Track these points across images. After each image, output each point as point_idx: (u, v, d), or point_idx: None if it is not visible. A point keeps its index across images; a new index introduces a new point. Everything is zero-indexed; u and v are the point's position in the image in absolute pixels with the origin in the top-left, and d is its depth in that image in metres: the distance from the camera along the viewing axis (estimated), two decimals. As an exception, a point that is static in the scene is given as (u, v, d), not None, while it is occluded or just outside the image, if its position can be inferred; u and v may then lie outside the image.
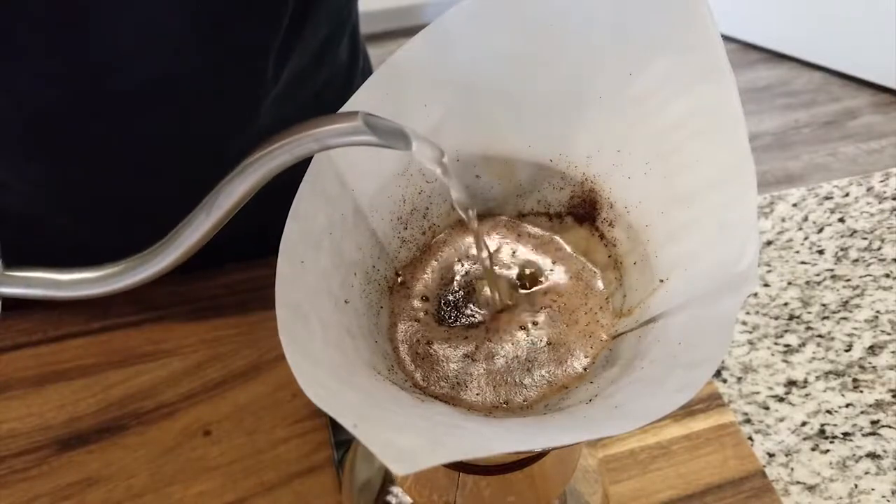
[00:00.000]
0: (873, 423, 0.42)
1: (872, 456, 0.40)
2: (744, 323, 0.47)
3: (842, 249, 0.52)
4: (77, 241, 0.43)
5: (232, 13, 0.37)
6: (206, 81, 0.39)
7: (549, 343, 0.23)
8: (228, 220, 0.20)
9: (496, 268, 0.25)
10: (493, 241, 0.26)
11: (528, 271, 0.25)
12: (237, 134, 0.43)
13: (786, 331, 0.47)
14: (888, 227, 0.53)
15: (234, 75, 0.41)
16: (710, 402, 0.42)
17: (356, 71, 0.55)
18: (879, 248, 0.51)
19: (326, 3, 0.45)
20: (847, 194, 0.56)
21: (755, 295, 0.49)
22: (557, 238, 0.26)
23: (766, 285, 0.50)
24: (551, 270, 0.25)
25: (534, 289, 0.25)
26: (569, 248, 0.26)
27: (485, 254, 0.24)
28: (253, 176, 0.19)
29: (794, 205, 0.55)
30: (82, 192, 0.43)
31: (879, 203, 0.55)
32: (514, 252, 0.26)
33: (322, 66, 0.49)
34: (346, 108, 0.23)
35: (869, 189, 0.56)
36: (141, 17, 0.34)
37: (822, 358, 0.45)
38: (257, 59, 0.41)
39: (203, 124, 0.42)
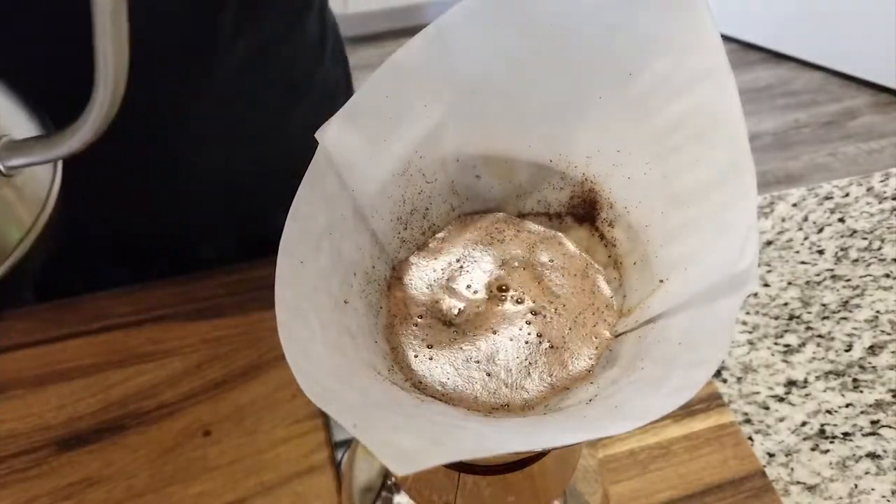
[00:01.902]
0: (873, 423, 0.42)
1: (872, 456, 0.40)
2: (744, 323, 0.47)
3: (842, 249, 0.52)
4: None
5: None
6: (159, 41, 0.41)
7: (550, 344, 0.23)
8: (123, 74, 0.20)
9: (497, 269, 0.25)
10: (494, 240, 0.26)
11: (529, 271, 0.25)
12: (196, 98, 0.45)
13: (786, 331, 0.47)
14: (888, 227, 0.53)
15: (185, 37, 0.42)
16: (710, 402, 0.42)
17: (325, 49, 0.55)
18: (879, 248, 0.51)
19: None
20: (847, 194, 0.56)
21: (755, 295, 0.49)
22: (561, 236, 0.26)
23: (766, 285, 0.50)
24: (555, 270, 0.25)
25: (535, 289, 0.25)
26: (573, 247, 0.26)
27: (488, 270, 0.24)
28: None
29: (794, 205, 0.55)
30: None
31: (879, 203, 0.55)
32: (515, 250, 0.26)
33: (287, 42, 0.49)
34: (345, 108, 0.23)
35: (869, 189, 0.56)
36: None
37: (822, 358, 0.45)
38: (206, 29, 0.42)
39: (160, 83, 0.43)
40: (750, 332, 0.47)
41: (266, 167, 0.52)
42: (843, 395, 0.43)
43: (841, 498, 0.38)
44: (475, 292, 0.25)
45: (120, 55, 0.23)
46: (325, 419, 0.42)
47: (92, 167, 0.45)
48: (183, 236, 0.54)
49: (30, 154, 0.27)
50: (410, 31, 0.27)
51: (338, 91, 0.57)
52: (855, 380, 0.44)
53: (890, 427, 0.41)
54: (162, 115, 0.45)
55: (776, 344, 0.46)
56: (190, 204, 0.52)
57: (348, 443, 0.39)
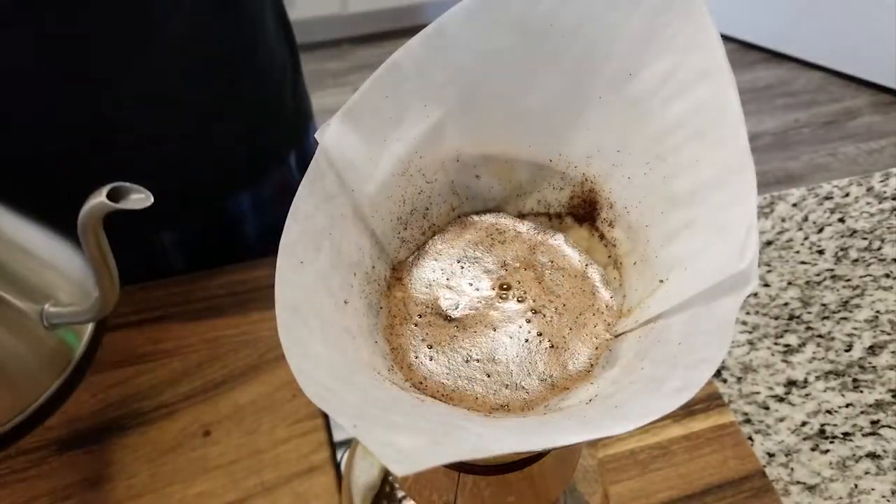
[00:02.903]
0: (873, 423, 0.42)
1: (872, 456, 0.40)
2: (744, 323, 0.47)
3: (842, 249, 0.52)
4: None
5: None
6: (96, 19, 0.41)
7: (550, 343, 0.23)
8: None
9: (498, 268, 0.25)
10: (495, 241, 0.26)
11: (529, 271, 0.25)
12: (129, 73, 0.45)
13: (786, 331, 0.47)
14: (888, 227, 0.53)
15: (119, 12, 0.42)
16: (710, 402, 0.42)
17: (266, 27, 0.54)
18: (879, 248, 0.51)
19: None
20: (847, 194, 0.56)
21: (755, 295, 0.49)
22: (561, 236, 0.26)
23: (766, 285, 0.50)
24: (555, 270, 0.25)
25: (535, 288, 0.25)
26: (574, 247, 0.26)
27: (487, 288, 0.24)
28: None
29: (794, 205, 0.55)
30: None
31: (879, 203, 0.55)
32: (516, 251, 0.26)
33: (223, 21, 0.49)
34: (345, 108, 0.23)
35: (869, 189, 0.56)
36: None
37: (822, 358, 0.45)
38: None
39: (94, 63, 0.43)
40: (750, 332, 0.47)
41: (210, 147, 0.52)
42: (843, 395, 0.43)
43: (841, 498, 0.38)
44: (476, 290, 0.25)
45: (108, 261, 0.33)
46: (325, 419, 0.42)
47: (31, 161, 0.46)
48: (141, 222, 0.53)
49: (67, 317, 0.36)
50: (410, 31, 0.27)
51: (284, 71, 0.56)
52: (855, 380, 0.44)
53: (890, 427, 0.41)
54: (96, 96, 0.45)
55: (776, 344, 0.46)
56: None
57: (348, 443, 0.39)
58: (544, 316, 0.24)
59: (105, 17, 0.43)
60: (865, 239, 0.52)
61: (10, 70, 0.43)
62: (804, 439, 0.41)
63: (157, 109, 0.49)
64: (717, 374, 0.45)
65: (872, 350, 0.45)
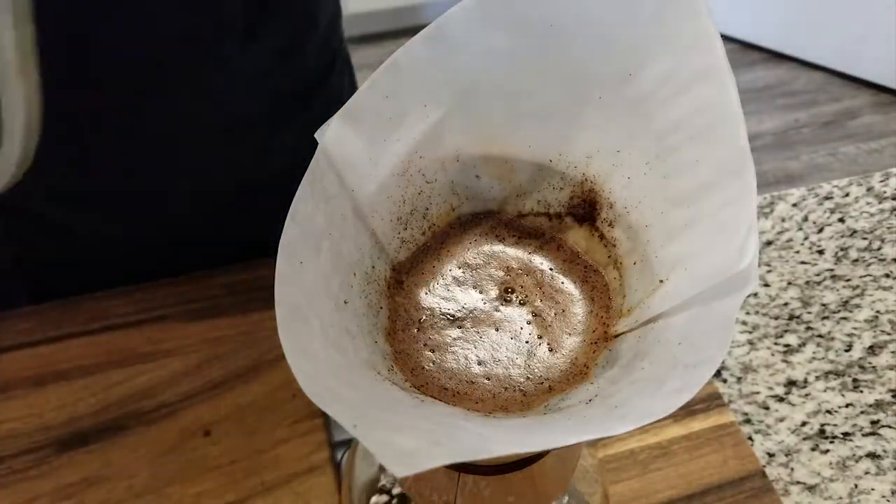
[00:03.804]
0: (873, 423, 0.42)
1: (872, 456, 0.40)
2: (744, 323, 0.47)
3: (842, 249, 0.52)
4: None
5: None
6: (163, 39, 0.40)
7: (550, 345, 0.23)
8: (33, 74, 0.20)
9: (498, 271, 0.25)
10: (496, 240, 0.26)
11: (529, 272, 0.25)
12: (205, 99, 0.45)
13: (786, 331, 0.47)
14: (888, 227, 0.53)
15: (191, 34, 0.42)
16: (710, 402, 0.42)
17: (336, 59, 0.55)
18: (879, 248, 0.51)
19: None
20: (847, 194, 0.56)
21: (755, 295, 0.49)
22: (561, 237, 0.26)
23: (766, 285, 0.50)
24: (555, 270, 0.25)
25: (535, 290, 0.25)
26: (574, 248, 0.26)
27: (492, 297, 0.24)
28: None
29: (794, 205, 0.55)
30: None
31: (879, 203, 0.55)
32: (516, 252, 0.26)
33: (300, 52, 0.49)
34: (345, 108, 0.23)
35: (869, 189, 0.56)
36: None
37: (822, 358, 0.45)
38: (212, 27, 0.42)
39: (167, 83, 0.43)
40: (750, 332, 0.47)
41: (266, 175, 0.52)
42: (843, 395, 0.43)
43: (841, 498, 0.38)
44: (479, 292, 0.25)
45: (29, 109, 0.23)
46: (325, 419, 0.42)
47: (86, 169, 0.45)
48: (176, 243, 0.53)
49: None
50: (410, 31, 0.27)
51: (342, 100, 0.57)
52: (855, 380, 0.44)
53: (890, 427, 0.41)
54: (168, 117, 0.45)
55: (776, 344, 0.46)
56: (187, 208, 0.52)
57: (348, 443, 0.39)
58: (544, 319, 0.24)
59: (176, 39, 0.42)
60: (865, 239, 0.52)
61: None
62: (804, 439, 0.41)
63: (223, 136, 0.49)
64: (717, 374, 0.45)
65: (872, 350, 0.45)
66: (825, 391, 0.43)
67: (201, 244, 0.54)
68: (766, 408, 0.43)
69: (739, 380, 0.44)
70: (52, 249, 0.51)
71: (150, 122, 0.44)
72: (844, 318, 0.47)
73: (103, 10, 0.36)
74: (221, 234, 0.54)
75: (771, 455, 0.40)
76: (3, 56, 0.22)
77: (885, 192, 0.55)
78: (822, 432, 0.41)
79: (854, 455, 0.40)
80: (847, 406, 0.42)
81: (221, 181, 0.51)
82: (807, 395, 0.43)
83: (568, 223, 0.26)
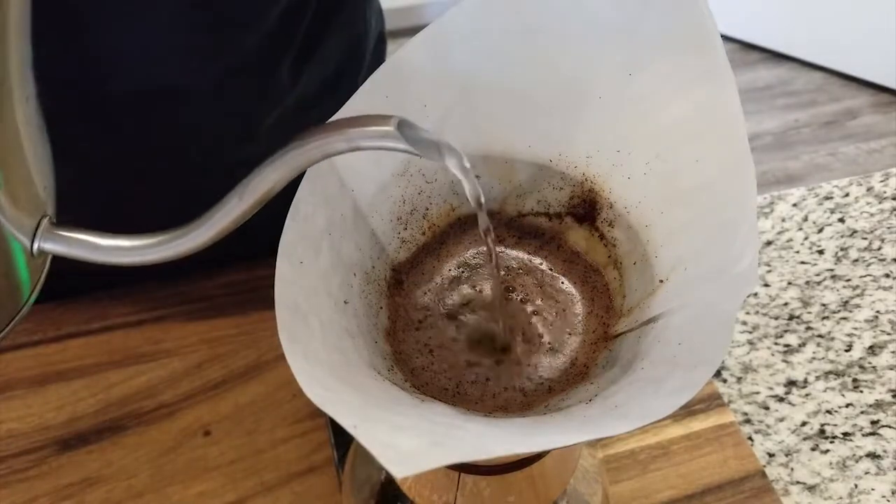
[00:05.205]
0: (873, 423, 0.42)
1: (872, 456, 0.40)
2: (744, 323, 0.47)
3: (842, 249, 0.52)
4: None
5: (231, 27, 0.38)
6: (207, 93, 0.40)
7: (550, 344, 0.23)
8: (259, 207, 0.20)
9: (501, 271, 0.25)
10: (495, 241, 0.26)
11: (529, 272, 0.25)
12: (238, 148, 0.44)
13: (786, 331, 0.47)
14: (888, 227, 0.53)
15: (235, 89, 0.41)
16: (710, 402, 0.42)
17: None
18: (879, 248, 0.51)
19: (339, 33, 0.46)
20: (847, 194, 0.56)
21: (755, 295, 0.49)
22: (561, 237, 0.26)
23: (766, 285, 0.50)
24: (555, 271, 0.25)
25: (535, 290, 0.25)
26: (574, 248, 0.26)
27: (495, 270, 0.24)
28: (284, 167, 0.19)
29: (794, 205, 0.55)
30: (81, 197, 0.44)
31: (879, 203, 0.55)
32: (516, 253, 0.26)
33: (339, 89, 0.49)
34: (345, 108, 0.23)
35: (869, 189, 0.56)
36: (140, 34, 0.35)
37: (822, 358, 0.45)
38: (259, 75, 0.41)
39: (202, 135, 0.42)
40: (750, 332, 0.47)
41: (292, 191, 0.52)
42: (843, 395, 0.43)
43: (841, 498, 0.38)
44: (480, 292, 0.25)
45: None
46: (326, 419, 0.42)
47: (122, 208, 0.45)
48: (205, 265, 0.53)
49: (71, 246, 0.22)
50: (410, 31, 0.27)
51: None
52: (855, 380, 0.44)
53: (890, 427, 0.41)
54: (202, 164, 0.44)
55: (776, 344, 0.46)
56: (187, 208, 0.51)
57: (348, 443, 0.39)
58: (544, 317, 0.24)
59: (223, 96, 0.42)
60: (865, 239, 0.52)
61: None
62: (804, 439, 0.41)
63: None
64: (717, 374, 0.45)
65: (872, 350, 0.45)
66: (825, 391, 0.43)
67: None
68: (766, 408, 0.43)
69: (739, 380, 0.44)
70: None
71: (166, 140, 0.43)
72: (844, 318, 0.47)
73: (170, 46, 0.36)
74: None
75: (771, 455, 0.40)
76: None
77: (885, 192, 0.55)
78: (822, 432, 0.41)
79: (854, 455, 0.40)
80: (847, 406, 0.42)
81: (223, 184, 0.51)
82: (807, 395, 0.43)
83: (568, 223, 0.26)
